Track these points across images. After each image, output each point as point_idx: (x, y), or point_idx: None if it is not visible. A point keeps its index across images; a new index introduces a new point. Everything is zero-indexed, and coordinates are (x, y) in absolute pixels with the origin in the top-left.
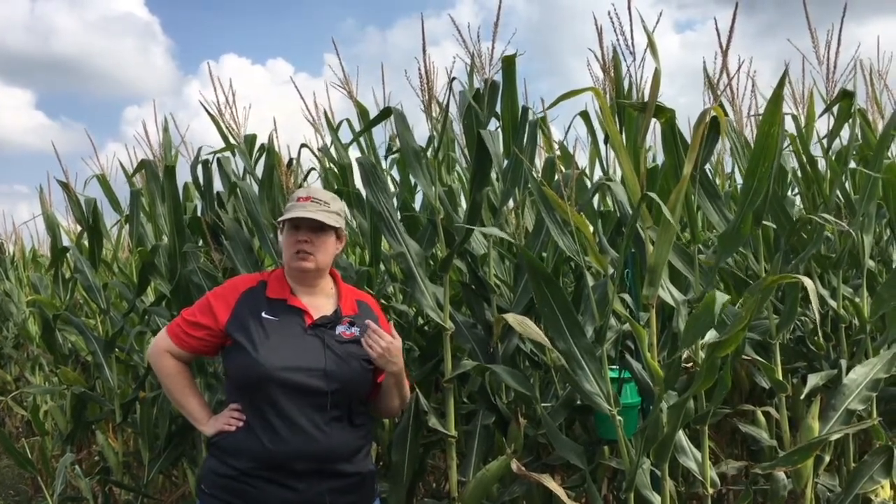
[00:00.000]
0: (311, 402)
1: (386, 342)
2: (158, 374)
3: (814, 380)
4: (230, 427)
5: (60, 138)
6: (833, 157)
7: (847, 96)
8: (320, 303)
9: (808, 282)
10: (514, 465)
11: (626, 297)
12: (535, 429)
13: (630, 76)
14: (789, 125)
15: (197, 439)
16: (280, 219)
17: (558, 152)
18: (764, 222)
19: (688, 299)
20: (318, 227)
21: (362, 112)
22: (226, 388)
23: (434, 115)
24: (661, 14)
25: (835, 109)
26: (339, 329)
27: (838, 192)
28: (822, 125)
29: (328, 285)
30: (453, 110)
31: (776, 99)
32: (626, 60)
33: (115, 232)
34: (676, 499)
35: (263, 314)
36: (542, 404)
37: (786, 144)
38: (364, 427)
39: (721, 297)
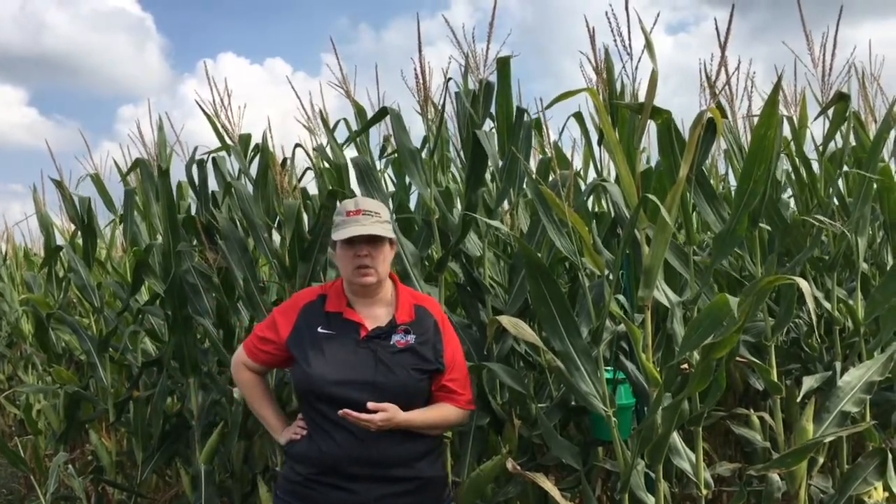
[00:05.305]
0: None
1: (379, 419)
2: (238, 385)
3: (809, 382)
4: (296, 436)
5: (54, 136)
6: (827, 160)
7: (843, 99)
8: (378, 312)
9: (803, 283)
10: (510, 464)
11: (621, 297)
12: (530, 429)
13: (623, 77)
14: (783, 127)
15: (191, 439)
16: (334, 237)
17: (552, 153)
18: (760, 224)
19: (682, 301)
20: (375, 240)
21: (360, 112)
22: None
23: (429, 115)
24: (658, 15)
25: (830, 112)
26: (395, 338)
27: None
28: (814, 127)
29: (387, 292)
30: (449, 111)
31: (772, 103)
32: (621, 61)
33: (108, 231)
34: (670, 500)
35: (319, 329)
36: (538, 405)
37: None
38: (424, 433)
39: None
